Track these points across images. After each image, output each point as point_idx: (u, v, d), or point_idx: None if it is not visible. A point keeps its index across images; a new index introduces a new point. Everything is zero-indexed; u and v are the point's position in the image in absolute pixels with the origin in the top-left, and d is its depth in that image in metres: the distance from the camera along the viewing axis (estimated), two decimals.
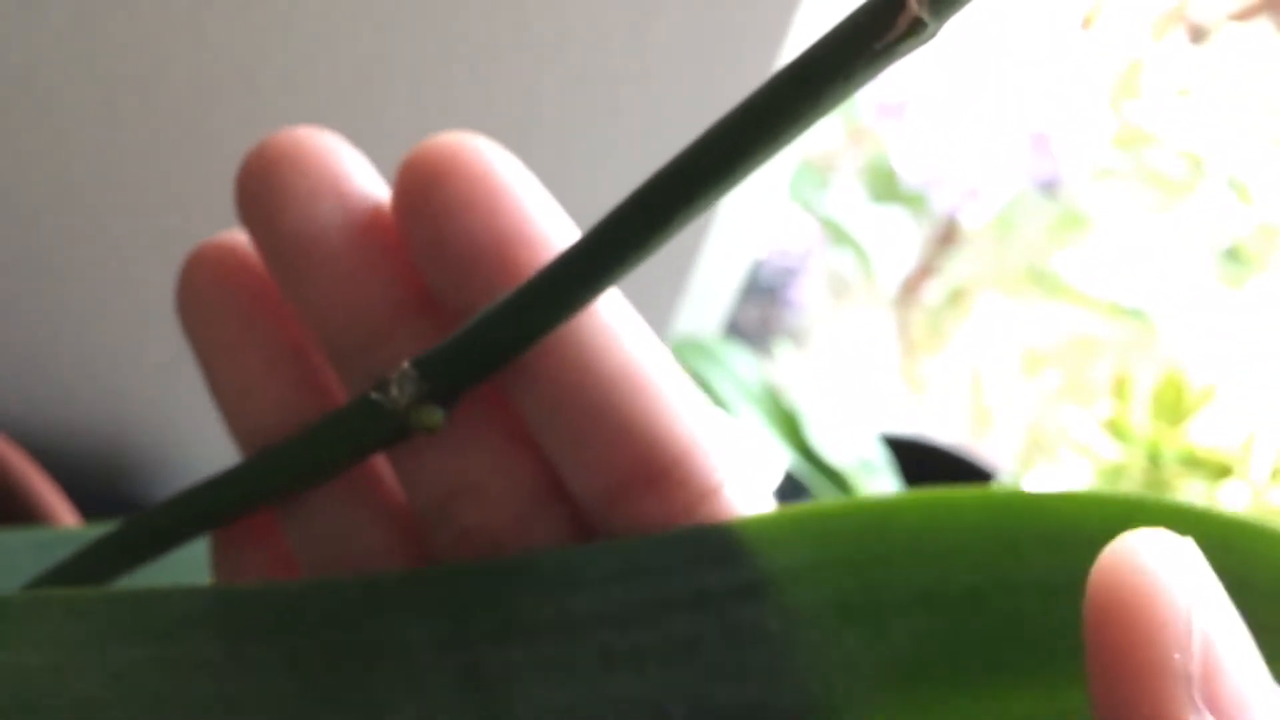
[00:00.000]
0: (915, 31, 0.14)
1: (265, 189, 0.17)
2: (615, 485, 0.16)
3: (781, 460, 0.49)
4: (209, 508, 0.18)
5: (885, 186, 0.78)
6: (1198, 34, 0.91)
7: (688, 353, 0.47)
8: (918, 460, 0.55)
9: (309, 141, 0.17)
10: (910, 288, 0.93)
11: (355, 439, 0.17)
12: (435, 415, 0.16)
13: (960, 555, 0.15)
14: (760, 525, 0.16)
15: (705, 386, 0.47)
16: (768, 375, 0.52)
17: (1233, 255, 0.90)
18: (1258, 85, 0.86)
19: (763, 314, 0.91)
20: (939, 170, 0.78)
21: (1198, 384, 0.48)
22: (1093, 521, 0.14)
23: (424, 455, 0.17)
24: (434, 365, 0.16)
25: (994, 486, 0.15)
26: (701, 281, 0.43)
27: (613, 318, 0.17)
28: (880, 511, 0.16)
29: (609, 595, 0.16)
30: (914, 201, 0.81)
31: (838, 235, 0.81)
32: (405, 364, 0.16)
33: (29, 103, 0.34)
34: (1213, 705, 0.12)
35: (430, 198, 0.16)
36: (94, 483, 0.45)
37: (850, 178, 0.83)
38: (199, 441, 0.45)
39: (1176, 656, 0.12)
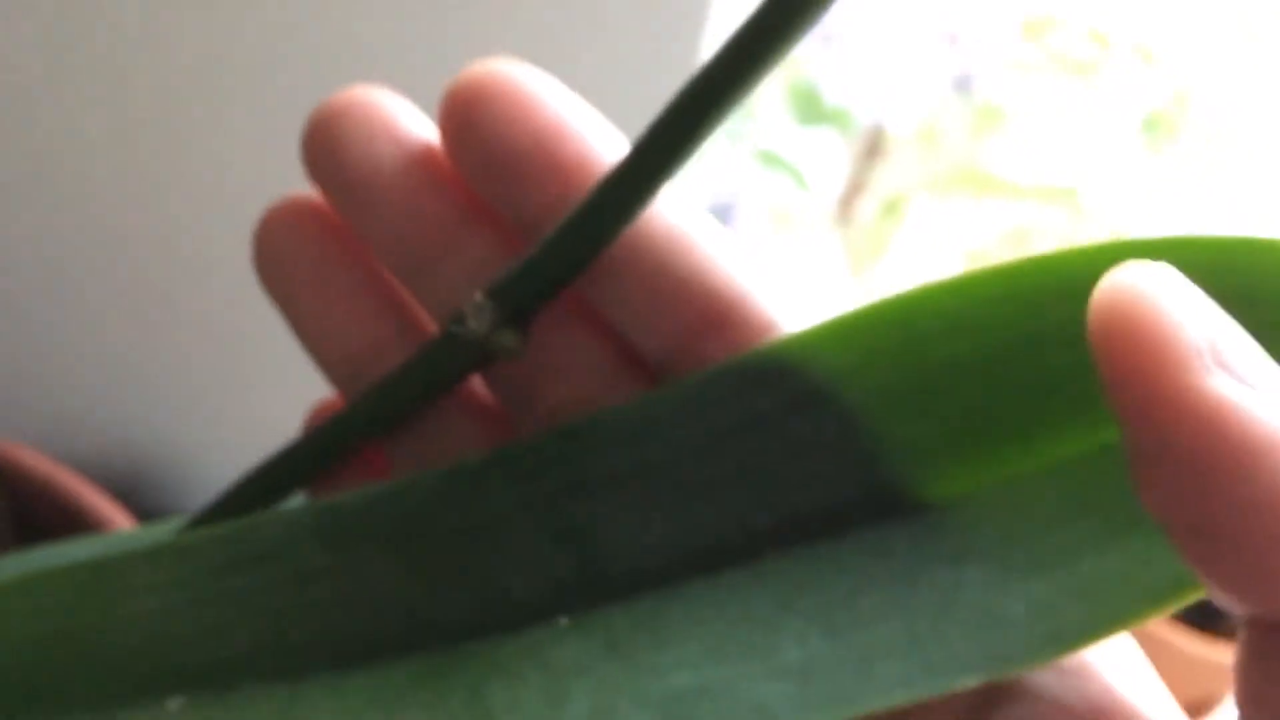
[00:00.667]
0: None
1: (329, 140, 0.19)
2: (682, 337, 0.18)
3: None
4: (321, 451, 0.19)
5: (810, 108, 0.79)
6: None
7: None
8: None
9: (363, 96, 0.19)
10: (846, 204, 0.94)
11: (441, 373, 0.18)
12: (513, 338, 0.17)
13: (986, 324, 0.16)
14: (799, 342, 0.17)
15: None
16: None
17: (1151, 124, 0.93)
18: None
19: None
20: (860, 83, 0.79)
21: None
22: (1102, 269, 0.15)
23: None
24: (506, 292, 0.17)
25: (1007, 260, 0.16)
26: None
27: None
28: (907, 304, 0.16)
29: (672, 435, 0.17)
30: (840, 118, 0.82)
31: (770, 162, 0.82)
32: (478, 295, 0.17)
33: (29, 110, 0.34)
34: (1226, 370, 0.12)
35: (472, 118, 0.18)
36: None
37: (774, 104, 0.84)
38: (215, 456, 0.46)
39: (1185, 333, 0.12)
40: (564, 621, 0.17)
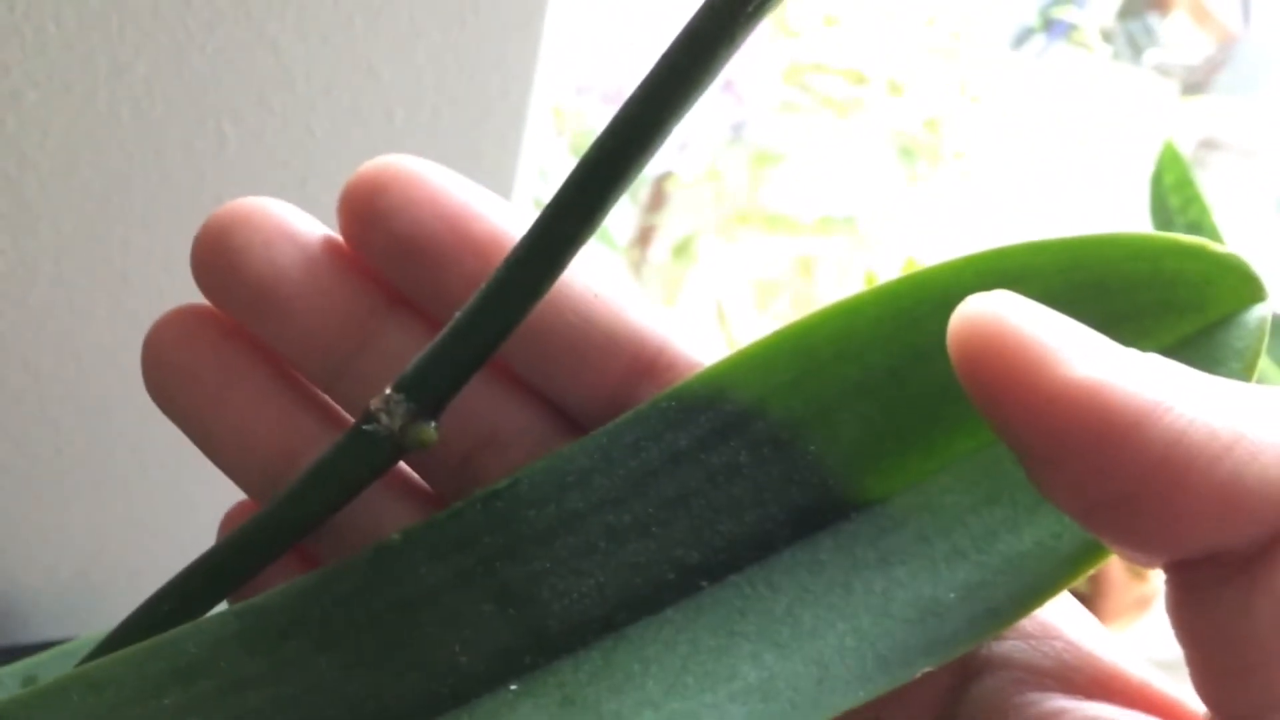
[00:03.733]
0: None
1: (224, 250, 0.18)
2: (613, 388, 0.18)
3: None
4: (238, 559, 0.18)
5: None
6: None
7: None
8: None
9: (254, 204, 0.19)
10: (638, 248, 0.97)
11: (356, 472, 0.18)
12: (429, 431, 0.17)
13: (874, 342, 0.17)
14: (708, 378, 0.18)
15: None
16: None
17: (906, 151, 0.99)
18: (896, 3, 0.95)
19: None
20: None
21: None
22: (968, 279, 0.17)
23: None
24: (417, 383, 0.17)
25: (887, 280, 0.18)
26: None
27: None
28: (803, 330, 0.18)
29: (596, 484, 0.18)
30: None
31: None
32: (388, 390, 0.17)
33: None
34: (1081, 363, 0.14)
35: (379, 206, 0.18)
36: None
37: (559, 156, 0.85)
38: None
39: (1043, 338, 0.14)
40: (513, 687, 0.17)
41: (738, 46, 0.17)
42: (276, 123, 0.34)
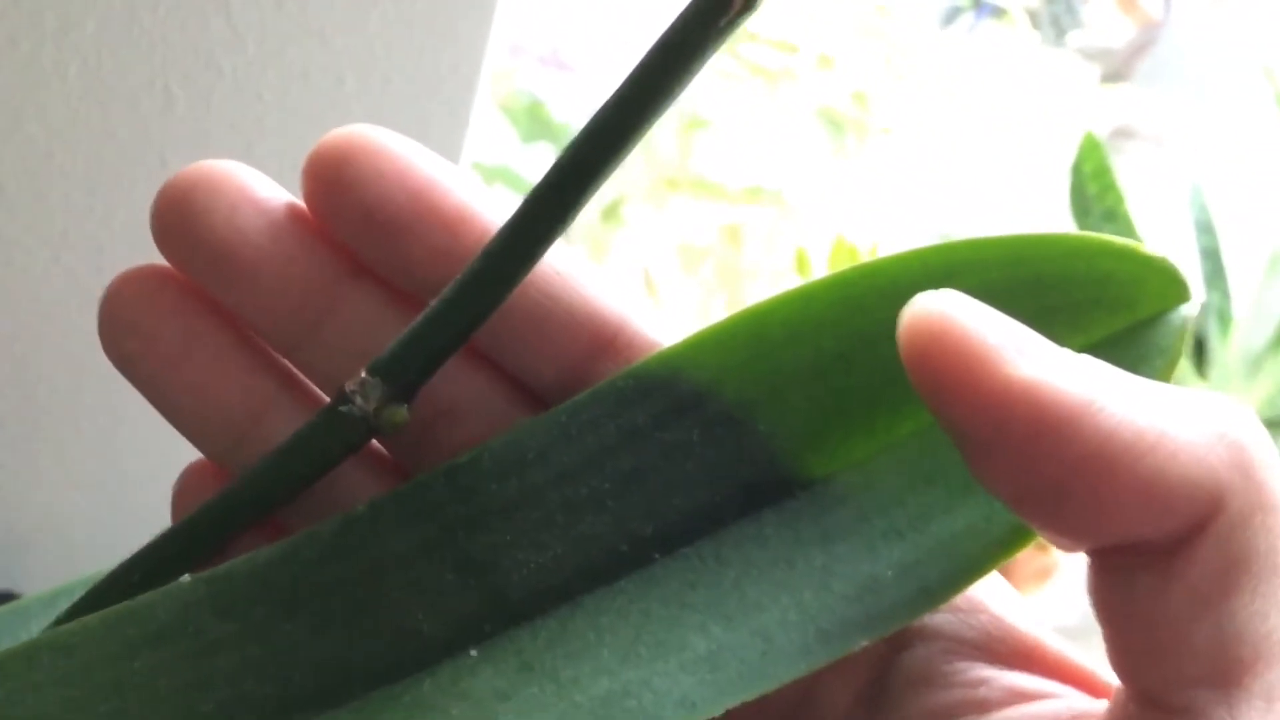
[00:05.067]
0: (750, 7, 0.17)
1: (187, 213, 0.18)
2: (575, 363, 0.19)
3: None
4: (206, 532, 0.19)
5: (535, 124, 0.82)
6: None
7: None
8: None
9: (218, 167, 0.18)
10: None
11: (328, 451, 0.18)
12: (401, 413, 0.18)
13: (823, 328, 0.18)
14: (666, 357, 0.19)
15: None
16: None
17: (834, 123, 1.01)
18: None
19: None
20: (584, 101, 0.82)
21: (863, 245, 0.55)
22: (916, 270, 0.18)
23: None
24: (392, 366, 0.18)
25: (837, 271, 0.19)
26: None
27: None
28: (759, 315, 0.18)
29: (556, 458, 0.18)
30: (563, 133, 0.85)
31: (498, 177, 0.83)
32: (363, 373, 0.18)
33: None
34: (1022, 361, 0.15)
35: (344, 176, 0.18)
36: None
37: (498, 122, 0.85)
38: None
39: (987, 337, 0.15)
40: (473, 653, 0.18)
41: (710, 57, 0.17)
42: (226, 86, 0.34)
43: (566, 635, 0.18)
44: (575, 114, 0.80)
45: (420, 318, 0.18)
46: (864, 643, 0.17)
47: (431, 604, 0.18)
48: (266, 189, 0.19)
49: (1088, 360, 0.15)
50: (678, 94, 0.18)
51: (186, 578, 0.19)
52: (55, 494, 0.44)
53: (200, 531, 0.19)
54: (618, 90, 0.17)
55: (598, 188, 0.18)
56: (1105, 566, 0.16)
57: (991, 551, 0.18)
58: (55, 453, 0.43)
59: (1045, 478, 0.15)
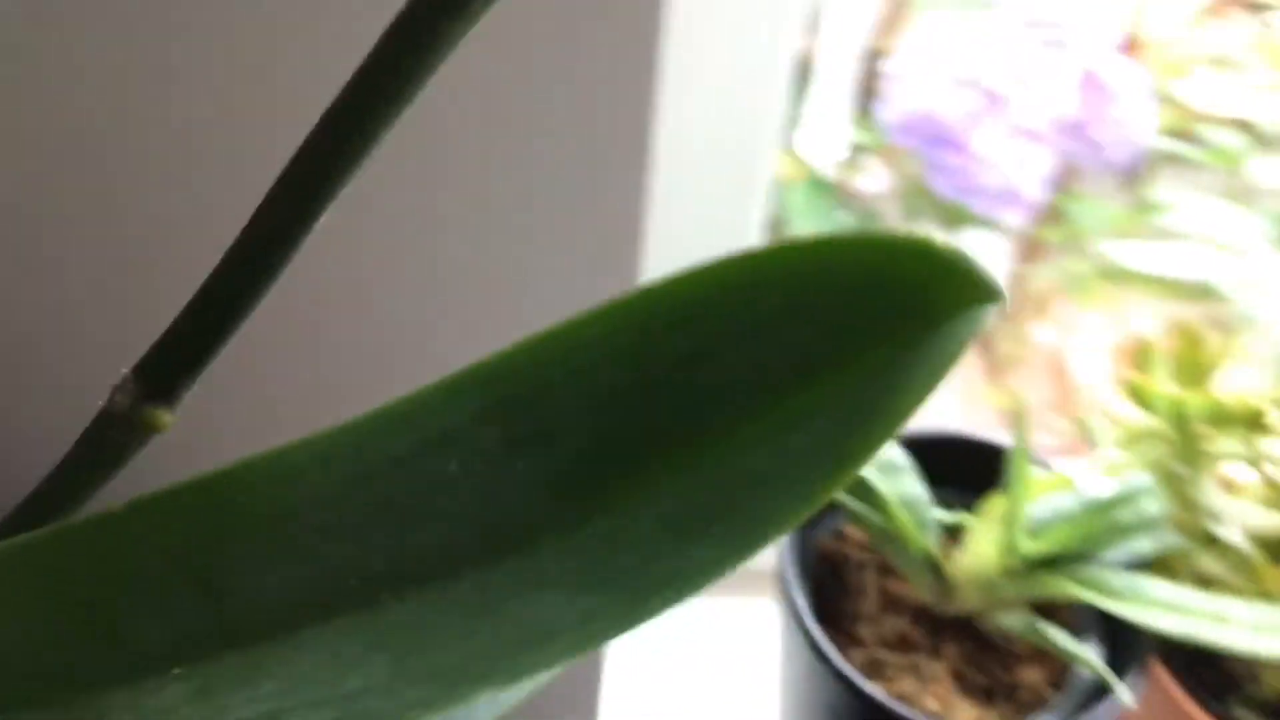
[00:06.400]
0: None
1: None
2: None
3: None
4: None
5: (920, 205, 0.78)
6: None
7: None
8: (936, 454, 0.54)
9: None
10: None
11: (103, 453, 0.18)
12: (162, 416, 0.17)
13: (605, 361, 0.16)
14: (434, 388, 0.17)
15: None
16: None
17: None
18: None
19: None
20: (976, 179, 0.77)
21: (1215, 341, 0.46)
22: (709, 288, 0.16)
23: None
24: (151, 366, 0.17)
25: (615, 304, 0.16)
26: None
27: None
28: (534, 345, 0.17)
29: (310, 481, 0.17)
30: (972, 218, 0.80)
31: None
32: (125, 371, 0.17)
33: None
34: None
35: None
36: None
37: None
38: None
39: None
40: (178, 671, 0.17)
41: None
42: None
43: (258, 664, 0.17)
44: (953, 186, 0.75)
45: (178, 315, 0.17)
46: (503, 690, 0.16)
47: (159, 616, 0.18)
48: None
49: None
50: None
51: None
52: None
53: None
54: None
55: (343, 184, 0.16)
56: None
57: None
58: None
59: None
